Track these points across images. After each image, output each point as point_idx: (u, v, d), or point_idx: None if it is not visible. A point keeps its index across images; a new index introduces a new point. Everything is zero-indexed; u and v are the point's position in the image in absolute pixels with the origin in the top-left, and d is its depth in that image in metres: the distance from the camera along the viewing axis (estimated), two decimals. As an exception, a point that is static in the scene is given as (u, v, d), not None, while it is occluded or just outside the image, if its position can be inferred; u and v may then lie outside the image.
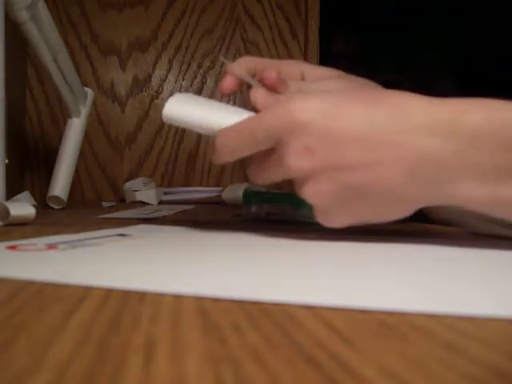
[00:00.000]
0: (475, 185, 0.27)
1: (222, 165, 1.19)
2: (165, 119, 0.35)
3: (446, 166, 0.27)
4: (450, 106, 0.28)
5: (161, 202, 0.93)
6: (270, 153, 0.32)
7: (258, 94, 0.35)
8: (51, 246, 0.27)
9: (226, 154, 0.33)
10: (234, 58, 0.42)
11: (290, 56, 1.22)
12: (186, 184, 1.16)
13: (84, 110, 0.78)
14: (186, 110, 0.35)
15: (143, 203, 0.90)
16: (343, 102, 0.30)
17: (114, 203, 0.90)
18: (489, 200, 0.27)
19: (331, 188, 0.30)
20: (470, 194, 0.27)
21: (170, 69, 1.18)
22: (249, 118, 0.33)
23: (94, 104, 0.94)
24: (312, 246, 0.31)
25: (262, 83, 0.36)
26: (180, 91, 1.18)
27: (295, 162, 0.30)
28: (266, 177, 0.33)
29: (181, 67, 1.19)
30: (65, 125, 0.77)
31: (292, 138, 0.30)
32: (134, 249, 0.28)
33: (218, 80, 1.20)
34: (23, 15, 0.58)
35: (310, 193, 0.30)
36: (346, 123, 0.29)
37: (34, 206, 0.45)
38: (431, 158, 0.27)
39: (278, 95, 0.35)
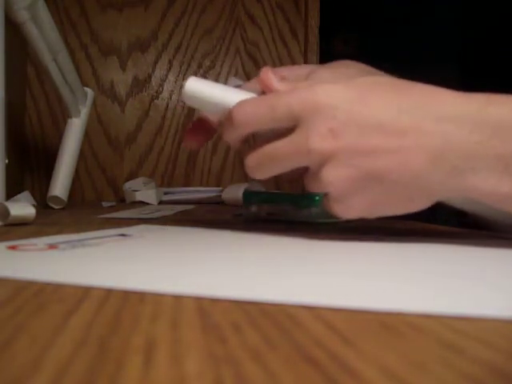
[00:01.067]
0: (498, 177, 0.27)
1: (221, 165, 1.19)
2: (185, 97, 0.34)
3: (470, 156, 0.27)
4: (476, 99, 0.28)
5: (161, 202, 0.93)
6: (281, 136, 0.30)
7: (273, 80, 0.33)
8: (52, 246, 0.27)
9: (242, 124, 0.31)
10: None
11: (290, 56, 1.22)
12: (186, 184, 1.16)
13: (84, 110, 0.78)
14: (206, 87, 0.34)
15: (143, 203, 0.90)
16: (368, 90, 0.30)
17: (113, 203, 0.90)
18: (510, 194, 0.27)
19: (351, 173, 0.29)
20: (493, 186, 0.27)
21: (169, 69, 1.18)
22: (270, 94, 0.32)
23: (94, 104, 0.94)
24: (312, 246, 0.31)
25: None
26: (180, 91, 1.18)
27: (318, 142, 0.29)
28: (274, 164, 0.31)
29: (181, 67, 1.19)
30: (65, 125, 0.77)
31: (316, 119, 0.29)
32: (135, 249, 0.28)
33: (217, 80, 1.20)
34: (23, 15, 0.58)
35: (328, 177, 0.29)
36: (372, 110, 0.29)
37: (34, 205, 0.45)
38: (456, 147, 0.27)
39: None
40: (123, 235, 0.33)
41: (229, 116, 0.32)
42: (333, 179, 0.29)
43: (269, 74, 0.33)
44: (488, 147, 0.27)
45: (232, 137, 0.33)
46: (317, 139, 0.29)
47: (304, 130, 0.29)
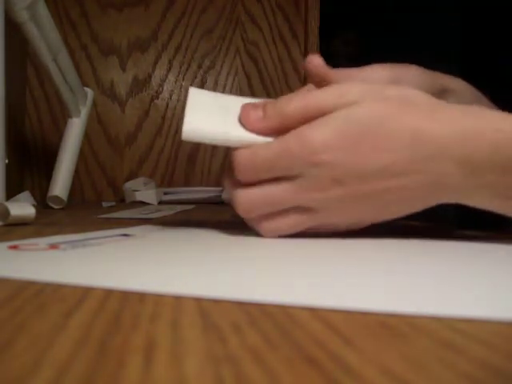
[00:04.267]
0: (488, 199, 0.30)
1: (221, 165, 1.19)
2: (186, 139, 0.33)
3: (463, 187, 0.30)
4: (460, 131, 0.29)
5: (161, 202, 0.93)
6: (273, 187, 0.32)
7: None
8: (53, 246, 0.27)
9: (243, 173, 0.32)
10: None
11: (290, 56, 1.22)
12: (186, 184, 1.16)
13: (84, 110, 0.78)
14: (204, 130, 0.32)
15: (143, 203, 0.90)
16: (360, 137, 0.30)
17: (113, 203, 0.90)
18: (501, 208, 0.31)
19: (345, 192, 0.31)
20: (484, 204, 0.31)
21: (169, 69, 1.18)
22: (269, 144, 0.31)
23: (94, 104, 0.94)
24: (312, 246, 0.31)
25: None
26: (180, 91, 1.18)
27: (323, 192, 0.31)
28: (267, 208, 0.32)
29: (181, 67, 1.19)
30: (65, 125, 0.77)
31: (316, 171, 0.30)
32: (135, 249, 0.28)
33: (217, 80, 1.20)
34: (23, 15, 0.58)
35: (337, 217, 0.32)
36: (368, 159, 0.30)
37: (34, 205, 0.45)
38: (451, 181, 0.30)
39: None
40: (124, 235, 0.33)
41: (232, 168, 0.32)
42: (339, 217, 0.33)
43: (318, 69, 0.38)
44: (480, 178, 0.29)
45: (243, 179, 0.33)
46: (321, 190, 0.31)
47: (309, 178, 0.31)
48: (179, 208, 0.75)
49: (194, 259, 0.25)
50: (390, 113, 0.30)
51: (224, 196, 0.93)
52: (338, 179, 0.30)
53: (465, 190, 0.30)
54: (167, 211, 0.67)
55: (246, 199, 0.32)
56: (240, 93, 1.19)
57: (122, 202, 1.01)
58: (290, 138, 0.31)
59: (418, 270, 0.24)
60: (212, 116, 0.33)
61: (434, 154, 0.29)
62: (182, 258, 0.26)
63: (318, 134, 0.30)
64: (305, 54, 1.21)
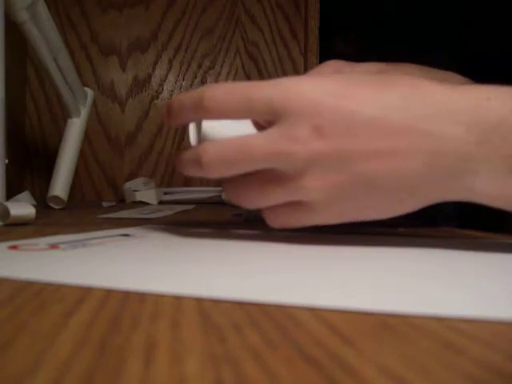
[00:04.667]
0: (502, 178, 0.25)
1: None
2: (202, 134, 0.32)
3: (469, 158, 0.25)
4: (473, 93, 0.25)
5: (161, 202, 0.93)
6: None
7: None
8: (53, 246, 0.27)
9: (212, 110, 0.28)
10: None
11: (291, 56, 1.22)
12: (186, 184, 1.16)
13: (84, 110, 0.78)
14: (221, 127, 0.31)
15: (143, 203, 0.90)
16: (353, 84, 0.27)
17: (114, 203, 0.90)
18: (503, 191, 0.25)
19: (340, 179, 0.26)
20: (496, 188, 0.25)
21: (170, 69, 1.18)
22: (249, 82, 0.28)
23: (94, 104, 0.94)
24: (312, 246, 0.31)
25: None
26: (180, 91, 1.18)
27: (302, 144, 0.26)
28: (239, 163, 0.27)
29: (181, 67, 1.19)
30: (65, 125, 0.77)
31: (298, 116, 0.26)
32: (135, 249, 0.28)
33: (217, 80, 1.20)
34: (23, 15, 0.58)
35: (314, 183, 0.26)
36: (358, 106, 0.26)
37: (34, 205, 0.45)
38: (454, 147, 0.25)
39: None
40: (125, 235, 0.33)
41: (198, 101, 0.28)
42: (319, 186, 0.27)
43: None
44: (489, 148, 0.24)
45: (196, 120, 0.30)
46: (301, 140, 0.26)
47: (285, 127, 0.26)
48: (179, 208, 0.75)
49: (193, 259, 0.25)
50: (385, 70, 0.28)
51: (224, 196, 0.93)
52: (318, 128, 0.26)
53: (472, 160, 0.25)
54: (167, 211, 0.67)
55: (213, 152, 0.28)
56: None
57: (122, 202, 1.01)
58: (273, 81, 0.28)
59: (418, 269, 0.24)
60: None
61: (434, 112, 0.25)
62: (182, 258, 0.26)
63: (304, 78, 0.27)
64: (305, 53, 1.21)
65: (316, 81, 0.27)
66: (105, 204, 0.85)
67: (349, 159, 0.26)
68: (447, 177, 0.26)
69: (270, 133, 0.27)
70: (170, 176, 1.17)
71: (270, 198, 0.29)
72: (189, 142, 0.34)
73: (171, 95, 1.18)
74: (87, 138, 1.08)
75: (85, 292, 0.17)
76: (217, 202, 0.95)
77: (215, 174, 0.28)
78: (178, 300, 0.16)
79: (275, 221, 0.30)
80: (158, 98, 1.17)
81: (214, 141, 0.28)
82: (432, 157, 0.25)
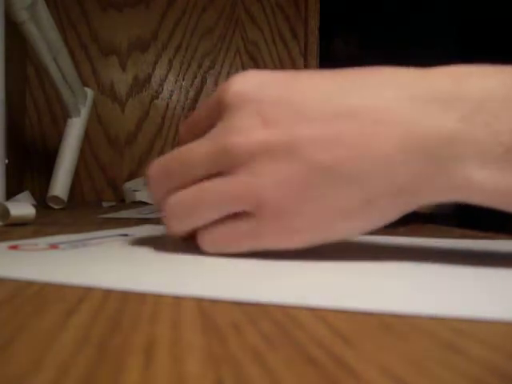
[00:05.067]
0: (494, 166, 0.20)
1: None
2: None
3: (453, 138, 0.20)
4: (451, 72, 0.22)
5: (161, 202, 0.93)
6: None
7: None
8: (53, 246, 0.27)
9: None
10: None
11: (290, 56, 1.22)
12: (186, 184, 1.16)
13: (84, 110, 0.78)
14: None
15: (143, 203, 0.90)
16: (299, 75, 0.24)
17: (114, 203, 0.90)
18: (499, 185, 0.20)
19: (293, 170, 0.22)
20: (486, 179, 0.20)
21: (170, 69, 1.18)
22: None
23: (94, 104, 0.94)
24: (311, 246, 0.31)
25: None
26: (180, 91, 1.18)
27: (246, 134, 0.22)
28: (182, 171, 0.24)
29: (181, 67, 1.19)
30: (65, 125, 0.77)
31: (239, 107, 0.23)
32: (135, 249, 0.28)
33: (217, 80, 1.20)
34: (23, 15, 0.58)
35: (263, 180, 0.22)
36: (309, 87, 0.23)
37: (34, 205, 0.45)
38: (431, 127, 0.21)
39: None
40: (125, 235, 0.33)
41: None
42: (269, 182, 0.22)
43: None
44: (476, 124, 0.20)
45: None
46: (243, 131, 0.22)
47: (227, 122, 0.23)
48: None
49: (193, 259, 0.25)
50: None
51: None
52: (261, 114, 0.22)
53: (457, 142, 0.20)
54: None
55: (157, 165, 0.25)
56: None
57: (121, 202, 1.01)
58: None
59: (418, 270, 0.24)
60: None
61: (407, 95, 0.22)
62: (182, 258, 0.26)
63: (239, 75, 0.24)
64: (305, 53, 1.21)
65: (259, 72, 0.24)
66: (105, 204, 0.85)
67: (301, 146, 0.21)
68: (429, 164, 0.21)
69: (212, 132, 0.24)
70: (169, 176, 1.17)
71: (206, 210, 0.24)
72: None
73: (171, 95, 1.18)
74: (87, 137, 1.08)
75: (85, 292, 0.17)
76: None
77: (158, 188, 0.26)
78: (177, 300, 0.16)
79: (211, 243, 0.25)
80: (157, 97, 1.17)
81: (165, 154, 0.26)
82: (405, 140, 0.21)
